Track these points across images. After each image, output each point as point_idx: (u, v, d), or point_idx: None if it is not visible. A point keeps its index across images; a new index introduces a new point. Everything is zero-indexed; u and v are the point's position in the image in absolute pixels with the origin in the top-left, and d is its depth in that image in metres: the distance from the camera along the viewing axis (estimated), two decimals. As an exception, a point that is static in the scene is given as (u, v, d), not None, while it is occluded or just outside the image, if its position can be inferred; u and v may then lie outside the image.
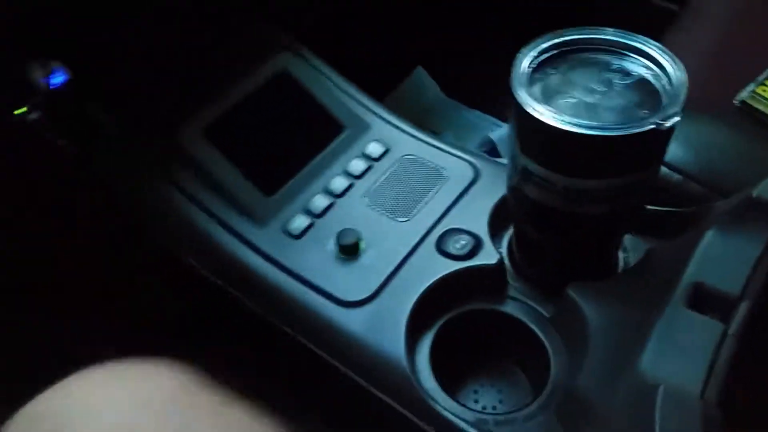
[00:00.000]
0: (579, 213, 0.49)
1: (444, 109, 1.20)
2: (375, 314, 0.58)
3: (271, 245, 0.63)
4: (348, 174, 0.69)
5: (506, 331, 0.58)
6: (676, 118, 0.43)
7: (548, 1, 1.15)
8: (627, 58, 0.49)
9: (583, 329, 0.50)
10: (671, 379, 0.39)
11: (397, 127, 0.73)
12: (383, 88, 1.11)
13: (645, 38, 0.48)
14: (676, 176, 0.62)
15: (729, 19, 0.82)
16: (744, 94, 0.75)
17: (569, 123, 0.43)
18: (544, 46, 0.49)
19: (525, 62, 0.48)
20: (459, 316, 0.58)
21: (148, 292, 0.75)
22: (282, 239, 0.64)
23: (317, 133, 0.71)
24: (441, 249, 0.60)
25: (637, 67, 0.48)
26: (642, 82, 0.47)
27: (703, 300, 0.42)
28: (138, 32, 0.69)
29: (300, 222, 0.65)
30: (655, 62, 0.47)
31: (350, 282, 0.60)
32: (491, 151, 1.05)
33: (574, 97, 0.47)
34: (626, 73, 0.48)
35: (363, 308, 0.58)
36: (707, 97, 0.70)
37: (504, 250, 0.62)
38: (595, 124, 0.43)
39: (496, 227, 0.62)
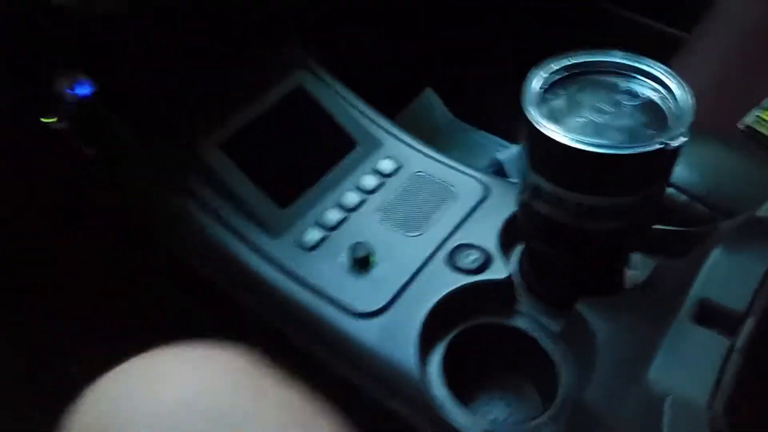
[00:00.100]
0: (588, 229, 0.50)
1: (452, 130, 1.22)
2: (387, 325, 0.59)
3: (285, 257, 0.65)
4: (360, 189, 0.70)
5: (515, 345, 0.59)
6: (683, 138, 0.44)
7: (558, 26, 1.17)
8: (635, 80, 0.50)
9: (592, 343, 0.51)
10: (679, 390, 0.40)
11: (409, 145, 0.74)
12: (393, 108, 1.13)
13: (652, 61, 0.50)
14: (683, 197, 0.64)
15: (735, 45, 0.84)
16: (749, 119, 0.76)
17: (579, 141, 0.45)
18: (555, 67, 0.50)
19: (536, 82, 0.49)
20: (469, 329, 0.59)
21: (163, 296, 0.76)
22: (295, 251, 0.65)
23: (331, 149, 0.73)
24: (452, 263, 0.62)
25: (645, 89, 0.50)
26: (649, 103, 0.49)
27: (709, 316, 0.43)
28: (160, 49, 0.71)
29: (313, 235, 0.66)
30: (663, 84, 0.49)
31: (362, 294, 0.61)
32: (498, 171, 1.06)
33: (584, 117, 0.48)
34: (634, 95, 0.50)
35: (375, 319, 0.60)
36: (713, 121, 0.72)
37: (513, 265, 0.63)
38: (604, 142, 0.45)
39: (505, 243, 0.63)
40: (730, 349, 0.41)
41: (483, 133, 1.20)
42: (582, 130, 0.47)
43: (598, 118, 0.48)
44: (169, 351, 0.40)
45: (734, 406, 0.39)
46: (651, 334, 0.45)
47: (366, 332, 0.59)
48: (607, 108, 0.49)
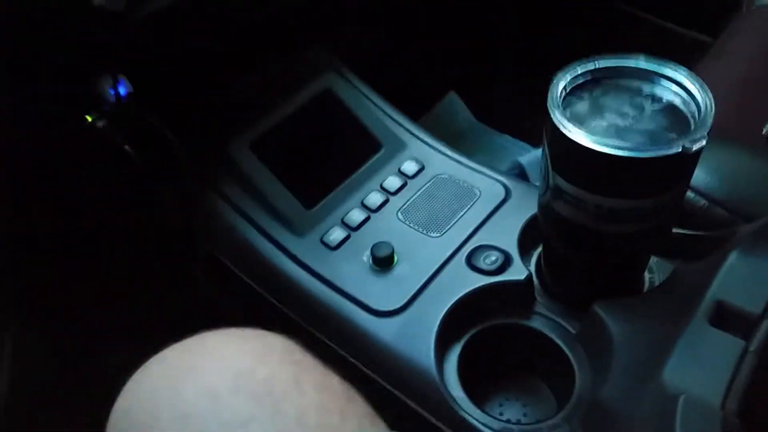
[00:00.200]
0: (607, 232, 0.51)
1: (475, 133, 1.23)
2: (406, 324, 0.60)
3: (309, 255, 0.66)
4: (384, 190, 0.71)
5: (532, 346, 0.60)
6: (703, 142, 0.45)
7: (582, 31, 1.18)
8: (658, 84, 0.51)
9: (609, 345, 0.51)
10: (693, 389, 0.40)
11: (432, 147, 0.75)
12: (417, 112, 1.14)
13: (676, 65, 0.50)
14: (702, 201, 0.64)
15: (759, 51, 0.84)
16: (772, 126, 0.76)
17: (601, 144, 0.45)
18: (580, 71, 0.51)
19: (560, 85, 0.50)
20: (487, 329, 0.60)
21: (197, 290, 0.78)
22: (319, 250, 0.67)
23: (356, 150, 0.74)
24: (471, 264, 0.63)
25: (668, 93, 0.50)
26: (671, 107, 0.49)
27: (725, 318, 0.44)
28: (194, 51, 0.73)
29: (337, 234, 0.67)
30: (684, 89, 0.49)
31: (383, 293, 0.62)
32: (520, 174, 1.07)
33: (606, 120, 0.49)
34: (657, 99, 0.50)
35: (395, 318, 0.61)
36: (737, 127, 0.72)
37: (532, 267, 0.63)
38: (625, 145, 0.45)
39: (525, 245, 0.64)
40: (745, 351, 0.41)
41: (506, 136, 1.21)
42: (604, 132, 0.48)
43: (621, 122, 0.49)
44: (209, 336, 0.41)
45: (748, 407, 0.39)
46: (667, 335, 0.45)
47: (385, 330, 0.60)
48: (629, 111, 0.49)
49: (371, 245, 0.65)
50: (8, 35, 0.56)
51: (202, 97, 0.75)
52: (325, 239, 0.67)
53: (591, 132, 0.46)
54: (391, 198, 0.71)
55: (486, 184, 0.71)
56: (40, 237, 0.72)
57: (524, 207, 0.66)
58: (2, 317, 0.71)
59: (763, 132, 0.71)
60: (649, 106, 0.50)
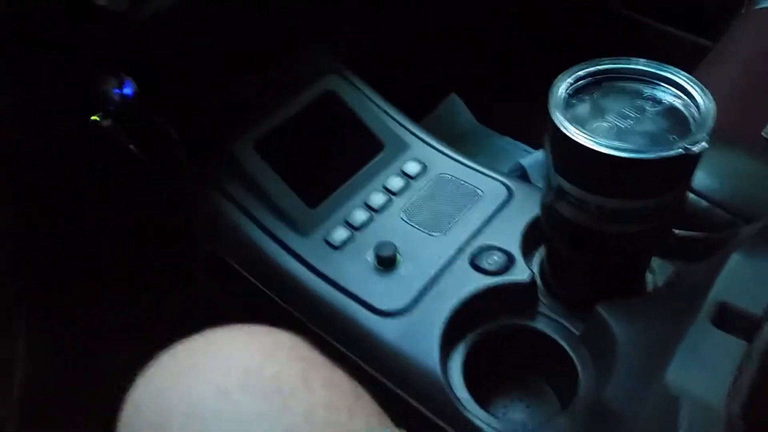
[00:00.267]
0: (609, 232, 0.51)
1: (476, 135, 1.23)
2: (410, 324, 0.60)
3: (313, 254, 0.67)
4: (387, 190, 0.72)
5: (535, 347, 0.60)
6: (704, 144, 0.45)
7: (583, 35, 1.18)
8: (658, 87, 0.51)
9: (612, 346, 0.52)
10: (695, 390, 0.40)
11: (435, 148, 0.76)
12: (418, 114, 1.14)
13: (675, 69, 0.51)
14: (704, 203, 0.64)
15: (759, 53, 0.84)
16: (772, 128, 0.77)
17: (603, 145, 0.46)
18: (581, 73, 0.52)
19: (562, 87, 0.50)
20: (491, 330, 0.60)
21: (201, 288, 0.79)
22: (323, 249, 0.67)
23: (359, 151, 0.75)
24: (474, 264, 0.63)
25: (668, 95, 0.51)
26: (672, 110, 0.50)
27: (727, 319, 0.44)
28: (198, 51, 0.74)
29: (340, 233, 0.68)
30: (685, 92, 0.50)
31: (387, 292, 0.63)
32: (522, 176, 1.07)
33: (608, 122, 0.49)
34: (657, 101, 0.50)
35: (399, 318, 0.61)
36: (736, 130, 0.72)
37: (535, 268, 0.64)
38: (627, 146, 0.46)
39: (528, 246, 0.64)
40: (748, 352, 0.41)
41: (507, 138, 1.21)
42: (606, 134, 0.48)
43: (622, 123, 0.49)
44: (216, 333, 0.42)
45: (750, 408, 0.40)
46: (670, 336, 0.45)
47: (389, 330, 0.60)
48: (630, 113, 0.50)
49: (374, 245, 0.65)
50: (13, 36, 0.56)
51: (205, 98, 0.75)
52: (328, 238, 0.68)
53: (592, 133, 0.47)
54: (394, 198, 0.71)
55: (488, 184, 0.71)
56: (42, 237, 0.73)
57: (527, 208, 0.66)
58: (11, 320, 0.71)
59: (763, 134, 0.71)
60: (650, 108, 0.50)
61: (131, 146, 0.67)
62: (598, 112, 0.50)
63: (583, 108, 0.50)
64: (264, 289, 0.68)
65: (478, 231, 0.66)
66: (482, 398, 0.58)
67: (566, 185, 0.50)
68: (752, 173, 0.67)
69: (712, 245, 0.54)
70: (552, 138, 0.50)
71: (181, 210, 0.75)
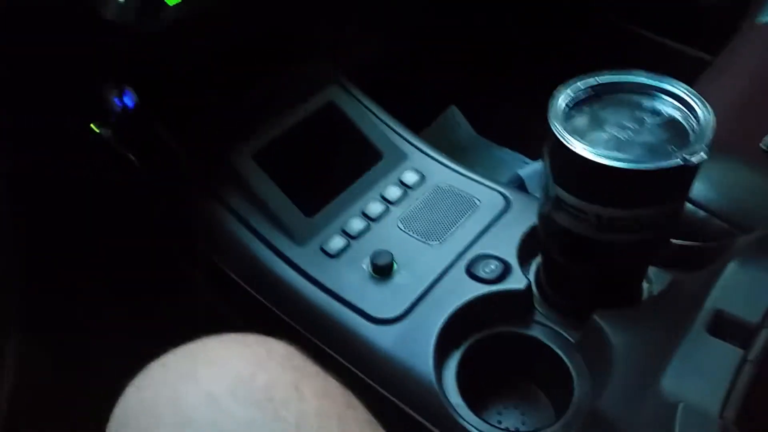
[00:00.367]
0: (608, 242, 0.51)
1: (475, 146, 1.24)
2: (405, 332, 0.60)
3: (309, 263, 0.67)
4: (384, 199, 0.72)
5: (532, 355, 0.60)
6: (703, 155, 0.45)
7: (583, 48, 1.19)
8: (658, 99, 0.52)
9: (608, 354, 0.52)
10: (691, 397, 0.41)
11: (433, 158, 0.76)
12: (418, 125, 1.15)
13: (675, 81, 0.51)
14: (701, 212, 0.65)
15: (758, 67, 0.85)
16: (769, 140, 0.77)
17: (602, 156, 0.46)
18: (581, 85, 0.52)
19: (562, 99, 0.51)
20: (486, 337, 0.60)
21: (198, 297, 0.79)
22: (319, 258, 0.67)
23: (357, 161, 0.75)
24: (471, 272, 0.63)
25: (667, 107, 0.51)
26: (672, 121, 0.50)
27: (723, 327, 0.44)
28: (200, 64, 0.74)
29: (337, 242, 0.68)
30: (685, 103, 0.50)
31: (382, 300, 0.63)
32: (520, 187, 1.07)
33: (607, 133, 0.49)
34: (657, 113, 0.51)
35: (394, 326, 0.61)
36: (734, 142, 0.73)
37: (532, 276, 0.64)
38: (626, 157, 0.46)
39: (524, 254, 0.64)
40: (743, 360, 0.42)
41: (505, 149, 1.22)
42: (605, 145, 0.48)
43: (622, 134, 0.49)
44: (209, 341, 0.42)
45: (746, 416, 0.40)
46: (666, 344, 0.46)
47: (384, 338, 0.60)
48: (630, 125, 0.50)
49: (371, 253, 0.65)
50: (18, 45, 0.57)
51: (206, 108, 0.76)
52: (325, 247, 0.68)
53: (591, 144, 0.47)
54: (392, 207, 0.71)
55: (486, 194, 0.71)
56: (41, 244, 0.73)
57: (524, 217, 0.66)
58: (5, 325, 0.71)
59: (761, 145, 0.71)
60: (649, 120, 0.50)
61: (131, 156, 0.67)
62: (598, 124, 0.50)
63: (582, 119, 0.51)
64: (260, 297, 0.68)
65: (475, 240, 0.66)
66: (477, 405, 0.58)
67: (564, 195, 0.51)
68: (750, 184, 0.68)
69: (709, 255, 0.54)
70: (551, 148, 0.50)
71: (179, 219, 0.75)
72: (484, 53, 1.24)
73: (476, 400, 0.58)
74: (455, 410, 0.55)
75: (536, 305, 0.62)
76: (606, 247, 0.52)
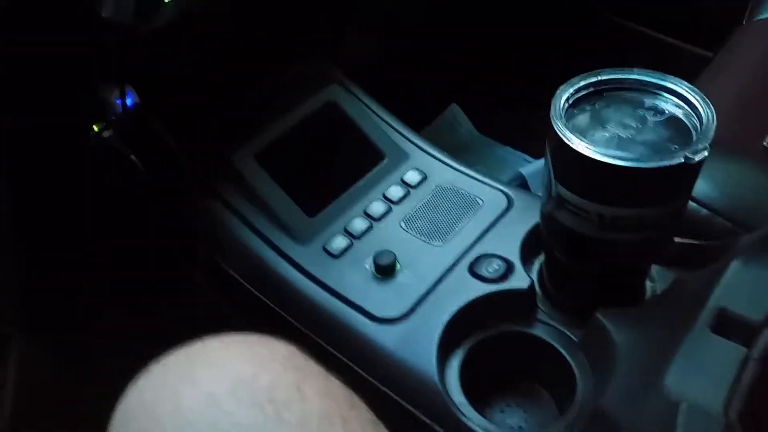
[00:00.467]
0: (610, 241, 0.51)
1: (476, 145, 1.24)
2: (408, 331, 0.60)
3: (311, 263, 0.67)
4: (386, 199, 0.72)
5: (534, 353, 0.60)
6: (705, 153, 0.45)
7: (585, 46, 1.19)
8: (659, 97, 0.52)
9: (611, 352, 0.52)
10: (694, 396, 0.41)
11: (435, 157, 0.76)
12: (419, 124, 1.15)
13: (676, 78, 0.51)
14: (704, 211, 0.64)
15: (759, 64, 0.84)
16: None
17: (604, 154, 0.46)
18: (582, 84, 0.52)
19: (563, 97, 0.51)
20: (489, 336, 0.60)
21: (200, 297, 0.79)
22: (322, 257, 0.67)
23: (359, 160, 0.75)
24: (474, 272, 0.63)
25: (669, 105, 0.51)
26: (673, 119, 0.50)
27: (726, 325, 0.44)
28: (200, 63, 0.74)
29: (339, 242, 0.68)
30: (686, 101, 0.50)
31: (385, 300, 0.63)
32: (522, 185, 1.07)
33: (609, 131, 0.49)
34: (659, 111, 0.51)
35: (397, 325, 0.61)
36: (736, 140, 0.73)
37: (534, 275, 0.64)
38: (628, 156, 0.46)
39: (527, 254, 0.64)
40: (746, 358, 0.42)
41: (507, 148, 1.22)
42: (607, 143, 0.48)
43: (623, 133, 0.49)
44: (210, 342, 0.42)
45: (749, 414, 0.40)
46: (669, 343, 0.46)
47: (387, 337, 0.61)
48: (632, 123, 0.50)
49: (373, 253, 0.65)
50: (16, 45, 0.57)
51: (207, 108, 0.76)
52: (327, 247, 0.68)
53: (593, 143, 0.47)
54: (394, 207, 0.71)
55: (488, 193, 0.71)
56: (42, 244, 0.73)
57: (526, 216, 0.66)
58: (5, 325, 0.71)
59: (764, 143, 0.71)
60: (651, 118, 0.50)
61: (132, 156, 0.67)
62: (599, 122, 0.50)
63: (584, 118, 0.51)
64: (263, 297, 0.68)
65: (478, 239, 0.66)
66: (480, 404, 0.58)
67: (566, 194, 0.51)
68: (753, 182, 0.67)
69: (712, 253, 0.54)
70: (553, 147, 0.50)
71: (180, 219, 0.75)
72: (484, 52, 1.24)
73: (479, 399, 0.58)
74: (458, 409, 0.55)
75: (539, 304, 0.62)
76: (609, 246, 0.52)
